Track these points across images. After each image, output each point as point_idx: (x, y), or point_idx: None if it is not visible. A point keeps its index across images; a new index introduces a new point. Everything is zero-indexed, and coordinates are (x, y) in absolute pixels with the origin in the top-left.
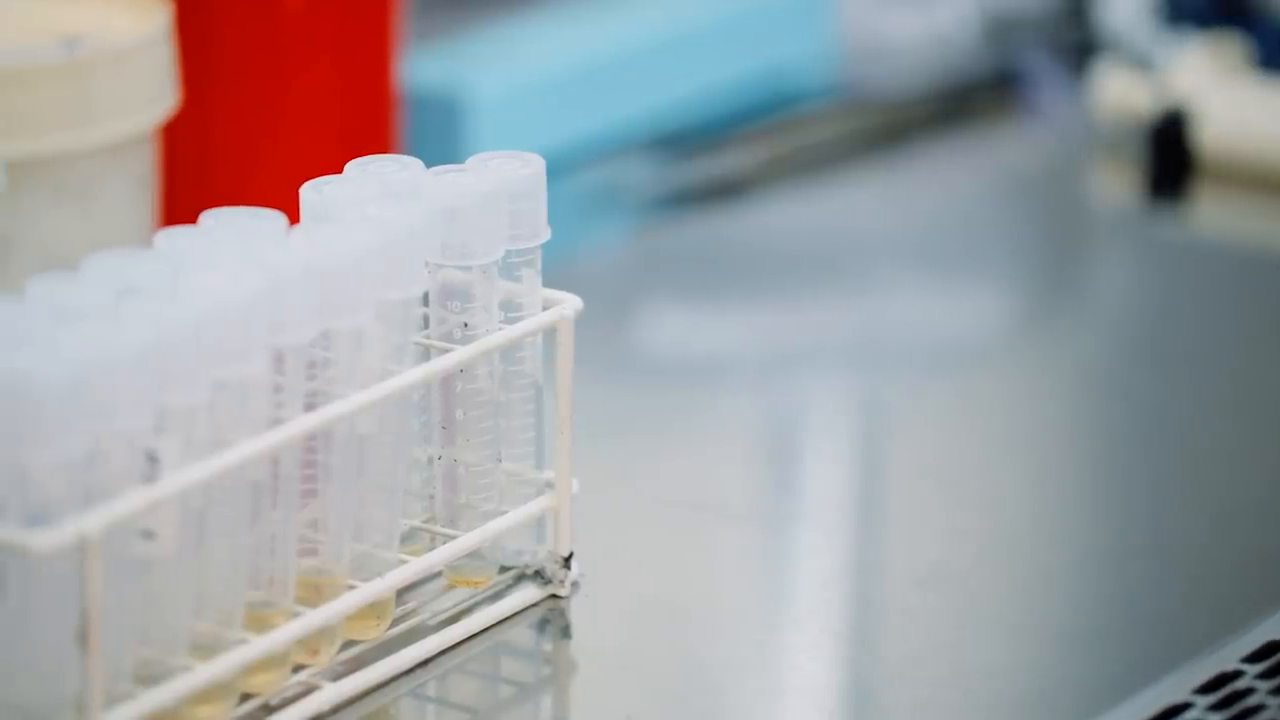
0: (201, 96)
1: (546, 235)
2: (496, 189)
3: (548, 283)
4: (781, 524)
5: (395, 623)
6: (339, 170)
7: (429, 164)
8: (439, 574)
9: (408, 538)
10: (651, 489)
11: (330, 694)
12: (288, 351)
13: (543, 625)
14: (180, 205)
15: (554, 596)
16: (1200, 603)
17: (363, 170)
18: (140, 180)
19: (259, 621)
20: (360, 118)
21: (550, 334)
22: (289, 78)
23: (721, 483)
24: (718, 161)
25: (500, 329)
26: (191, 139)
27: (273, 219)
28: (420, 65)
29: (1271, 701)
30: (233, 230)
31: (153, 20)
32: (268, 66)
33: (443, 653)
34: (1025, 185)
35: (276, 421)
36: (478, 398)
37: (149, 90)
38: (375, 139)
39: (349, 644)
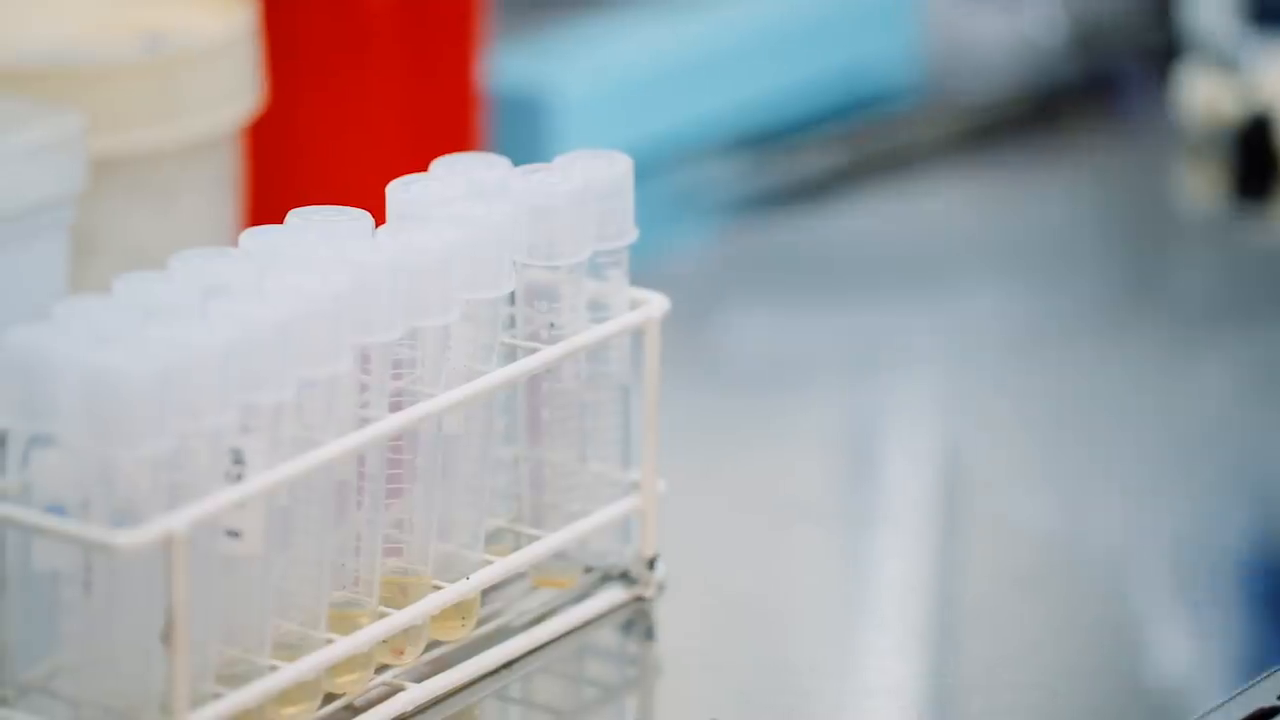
0: (287, 96)
1: (634, 235)
2: (584, 188)
3: (631, 283)
4: (866, 526)
5: (480, 623)
6: (424, 170)
7: (514, 163)
8: (524, 574)
9: (493, 538)
10: (736, 490)
11: (415, 695)
12: (374, 351)
13: (628, 626)
14: (266, 204)
15: (639, 598)
16: None
17: (450, 169)
18: (223, 179)
19: (344, 621)
20: (445, 117)
21: (636, 334)
22: (374, 77)
23: (806, 484)
24: (802, 162)
25: (587, 329)
26: (277, 138)
27: (359, 218)
28: (505, 65)
29: None
30: (319, 229)
31: (236, 19)
32: (352, 66)
33: (527, 654)
34: (1110, 188)
35: (362, 421)
36: (564, 398)
37: (231, 88)
38: (460, 138)
39: (434, 644)
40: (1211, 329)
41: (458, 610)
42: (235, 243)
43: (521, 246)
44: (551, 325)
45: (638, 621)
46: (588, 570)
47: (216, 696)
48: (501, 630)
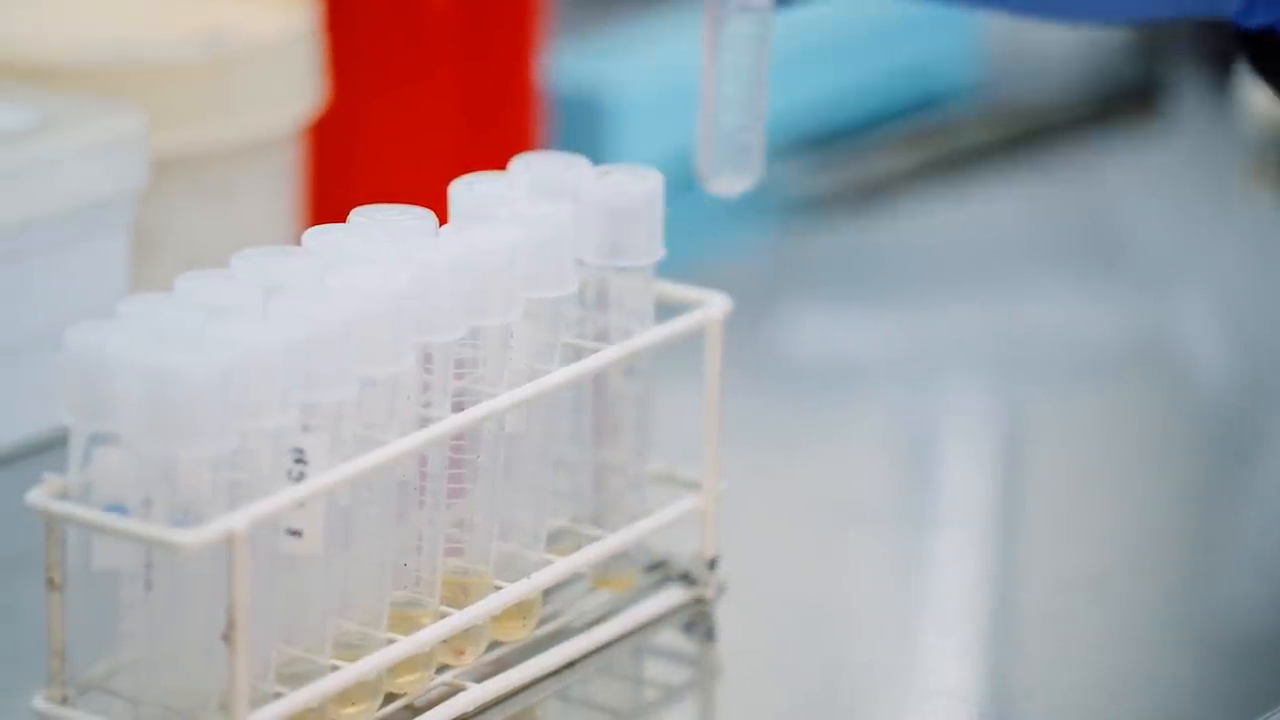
0: (348, 94)
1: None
2: (653, 190)
3: (692, 284)
4: (926, 527)
5: (541, 623)
6: (484, 169)
7: None
8: (585, 575)
9: (554, 538)
10: (796, 491)
11: (475, 695)
12: (436, 350)
13: (689, 627)
14: (328, 203)
15: (700, 599)
16: None
17: (526, 168)
18: (284, 177)
19: (405, 621)
20: (505, 116)
21: (697, 335)
22: (434, 76)
23: (865, 486)
24: (862, 164)
25: (650, 329)
26: (338, 136)
27: (421, 217)
28: (565, 64)
29: None
30: (381, 228)
31: (296, 17)
32: (413, 65)
33: (588, 654)
34: (1170, 191)
35: (424, 420)
36: (626, 398)
37: (292, 87)
38: (520, 137)
39: (494, 645)
40: (1272, 331)
41: (519, 610)
42: (297, 241)
43: (586, 246)
44: (615, 325)
45: (698, 622)
46: (648, 571)
47: (277, 696)
48: (562, 630)
